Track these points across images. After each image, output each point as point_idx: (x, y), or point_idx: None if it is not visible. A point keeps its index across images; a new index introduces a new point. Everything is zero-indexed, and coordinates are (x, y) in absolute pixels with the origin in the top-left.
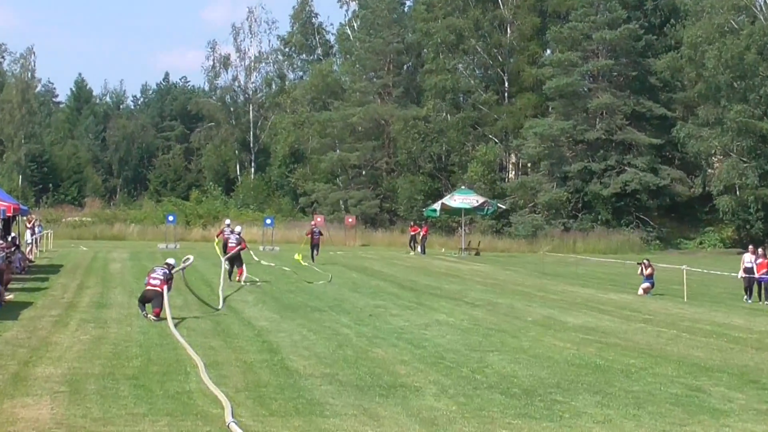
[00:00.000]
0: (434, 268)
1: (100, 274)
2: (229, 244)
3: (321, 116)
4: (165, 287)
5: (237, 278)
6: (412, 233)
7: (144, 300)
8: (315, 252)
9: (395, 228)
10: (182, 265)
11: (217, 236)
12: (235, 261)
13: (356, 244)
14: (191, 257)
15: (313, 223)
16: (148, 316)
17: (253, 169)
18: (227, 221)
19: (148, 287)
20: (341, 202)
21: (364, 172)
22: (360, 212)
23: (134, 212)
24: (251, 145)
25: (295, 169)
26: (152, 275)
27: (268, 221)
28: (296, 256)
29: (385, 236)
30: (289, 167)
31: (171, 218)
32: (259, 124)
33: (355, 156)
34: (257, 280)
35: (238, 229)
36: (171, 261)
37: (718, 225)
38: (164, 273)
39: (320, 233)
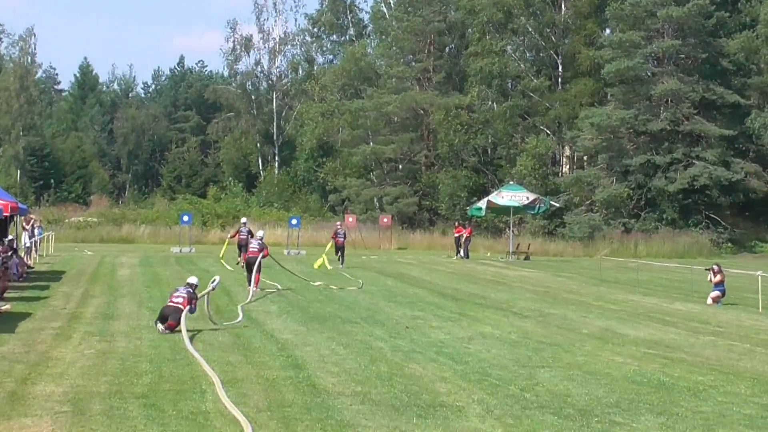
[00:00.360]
0: (479, 274)
1: (107, 282)
2: (250, 248)
3: (353, 105)
4: (187, 306)
5: (253, 286)
6: (456, 235)
7: (162, 318)
8: (340, 256)
9: (435, 229)
10: (209, 288)
11: (231, 237)
12: (253, 267)
13: (392, 247)
14: (218, 278)
15: (338, 224)
16: (158, 326)
17: (277, 164)
18: (243, 220)
19: (170, 304)
20: (375, 200)
21: (400, 167)
22: (396, 211)
23: (145, 212)
24: (275, 136)
25: (323, 164)
26: (175, 294)
27: (294, 221)
28: (317, 263)
29: (425, 238)
30: (318, 161)
31: (186, 218)
32: (284, 113)
33: (391, 149)
34: (277, 286)
35: (260, 234)
36: (194, 280)
37: None
38: (188, 292)
39: (344, 236)
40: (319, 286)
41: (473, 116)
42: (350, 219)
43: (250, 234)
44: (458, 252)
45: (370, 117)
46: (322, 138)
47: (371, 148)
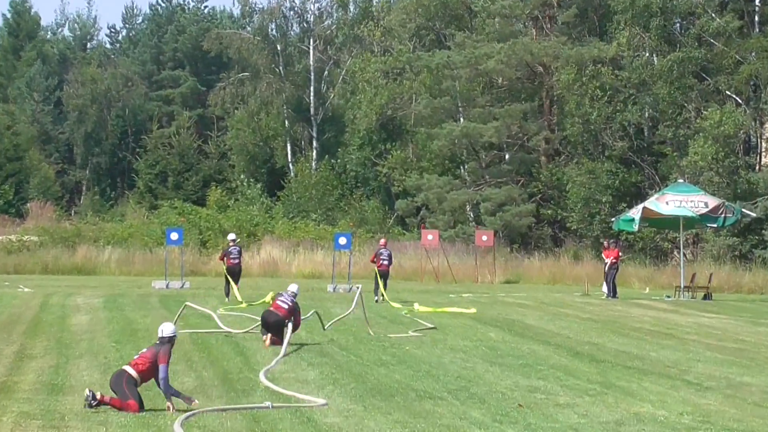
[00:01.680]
0: (631, 321)
1: (54, 335)
2: (278, 302)
3: (433, 59)
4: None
5: (285, 344)
6: (607, 260)
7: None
8: (381, 286)
9: (562, 252)
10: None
11: (221, 260)
12: (276, 329)
13: (495, 280)
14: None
15: (381, 242)
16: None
17: (315, 153)
18: (231, 237)
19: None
20: (468, 208)
21: (507, 157)
22: (501, 225)
23: (112, 227)
24: (312, 110)
25: (387, 152)
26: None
27: (342, 240)
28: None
29: (546, 266)
30: (378, 148)
31: (175, 236)
32: (326, 73)
33: (493, 129)
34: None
35: (293, 288)
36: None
37: None
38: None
39: (390, 258)
40: (389, 336)
41: (621, 76)
42: (429, 237)
43: (240, 254)
44: (610, 290)
45: (460, 78)
46: (386, 112)
47: (462, 128)
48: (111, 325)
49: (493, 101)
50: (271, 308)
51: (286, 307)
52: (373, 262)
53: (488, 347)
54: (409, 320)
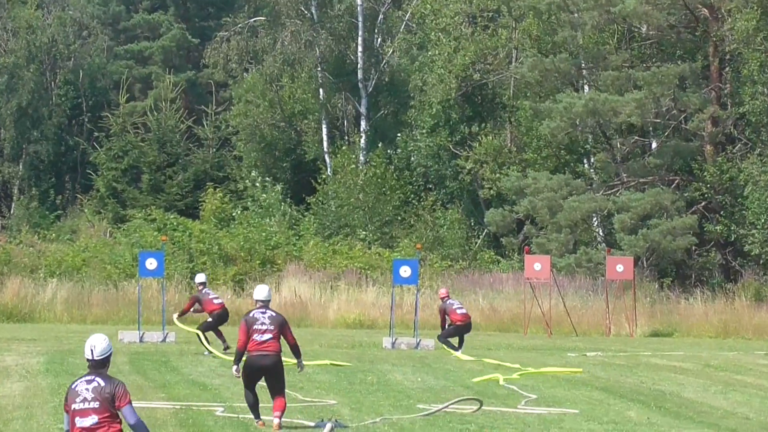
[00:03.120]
0: None
1: None
2: (261, 337)
3: None
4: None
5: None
6: None
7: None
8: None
9: (739, 288)
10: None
11: (181, 315)
12: (276, 384)
13: (638, 332)
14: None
15: (443, 292)
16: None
17: (363, 139)
18: (200, 278)
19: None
20: (595, 222)
21: (655, 145)
22: (646, 247)
23: (57, 249)
24: (359, 74)
25: (473, 138)
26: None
27: (406, 271)
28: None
29: (715, 310)
30: (459, 132)
31: (152, 263)
32: (381, 18)
33: (634, 103)
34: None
35: (261, 294)
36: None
37: None
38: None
39: (465, 316)
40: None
41: None
42: (537, 266)
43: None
44: None
45: (583, 26)
46: (471, 76)
47: (586, 101)
48: (56, 398)
49: (634, 61)
50: (253, 351)
51: (271, 335)
52: (442, 315)
53: (625, 430)
54: (506, 392)
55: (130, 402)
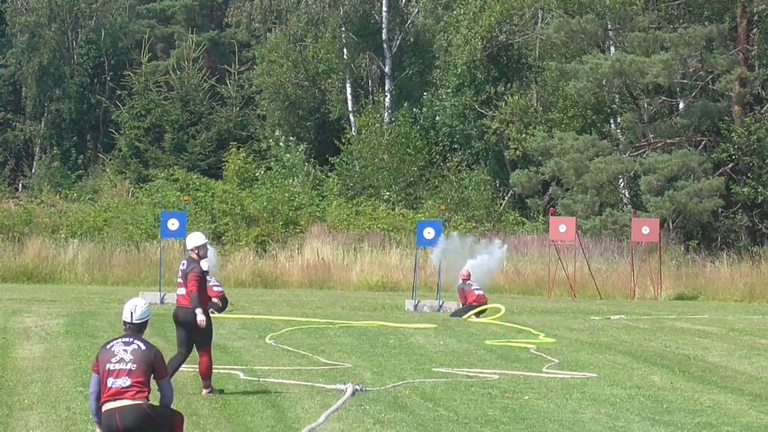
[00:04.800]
0: None
1: None
2: (179, 290)
3: None
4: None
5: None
6: None
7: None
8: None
9: (764, 249)
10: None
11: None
12: (196, 334)
13: (663, 295)
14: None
15: (465, 272)
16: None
17: (388, 99)
18: (197, 240)
19: (119, 403)
20: (621, 183)
21: (682, 106)
22: (673, 209)
23: (79, 209)
24: (384, 34)
25: (499, 98)
26: (114, 360)
27: (430, 232)
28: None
29: (741, 274)
30: (485, 92)
31: (174, 224)
32: None
33: (661, 64)
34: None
35: (195, 241)
36: (198, 240)
37: None
38: (188, 264)
39: (482, 298)
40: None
41: None
42: (562, 227)
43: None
44: None
45: None
46: (497, 37)
47: (613, 62)
48: (76, 360)
49: (661, 22)
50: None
51: (184, 290)
52: (463, 296)
53: (649, 397)
54: (529, 356)
55: (168, 374)
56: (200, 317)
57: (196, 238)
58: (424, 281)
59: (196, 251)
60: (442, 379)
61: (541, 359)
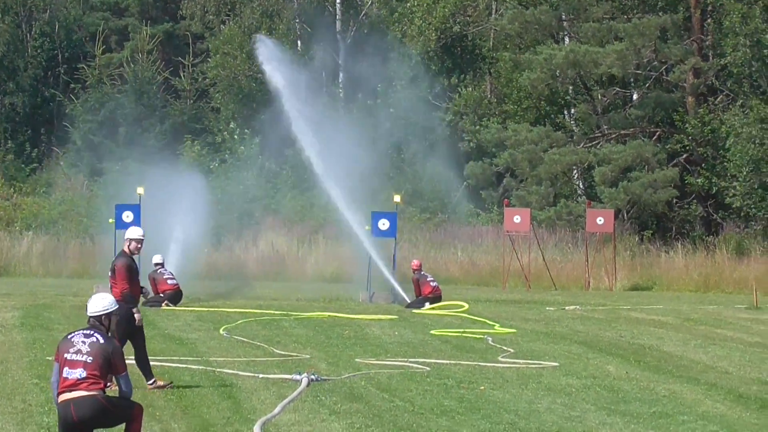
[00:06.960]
0: None
1: None
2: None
3: None
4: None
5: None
6: None
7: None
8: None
9: (719, 242)
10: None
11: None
12: (134, 334)
13: (618, 285)
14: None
15: (415, 263)
16: None
17: (342, 91)
18: (156, 259)
19: (74, 393)
20: (576, 174)
21: (636, 97)
22: (627, 200)
23: (33, 202)
24: (337, 25)
25: (453, 90)
26: (72, 350)
27: (384, 224)
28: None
29: (696, 264)
30: (439, 84)
31: (129, 216)
32: None
33: (615, 54)
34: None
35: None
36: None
37: None
38: (99, 344)
39: (436, 289)
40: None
41: None
42: (517, 218)
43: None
44: None
45: None
46: (451, 28)
47: (567, 53)
48: (31, 353)
49: (615, 12)
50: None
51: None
52: (417, 285)
53: (605, 387)
54: (485, 346)
55: (126, 369)
56: (138, 315)
57: (131, 231)
58: (379, 272)
59: (128, 243)
60: (397, 370)
61: (497, 350)
